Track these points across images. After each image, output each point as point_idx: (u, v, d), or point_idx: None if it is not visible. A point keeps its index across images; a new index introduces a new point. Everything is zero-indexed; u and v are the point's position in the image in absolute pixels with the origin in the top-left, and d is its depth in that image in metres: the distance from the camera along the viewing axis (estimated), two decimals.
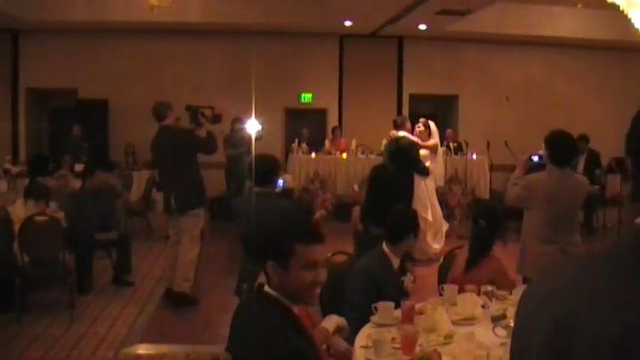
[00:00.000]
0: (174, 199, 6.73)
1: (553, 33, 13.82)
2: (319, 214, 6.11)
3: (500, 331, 3.20)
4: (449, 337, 3.12)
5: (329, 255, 4.54)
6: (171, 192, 6.81)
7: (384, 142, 11.16)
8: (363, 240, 5.40)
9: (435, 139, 9.29)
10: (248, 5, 12.72)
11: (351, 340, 3.35)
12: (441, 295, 3.96)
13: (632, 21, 9.39)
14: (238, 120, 11.81)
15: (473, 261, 4.31)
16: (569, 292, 1.03)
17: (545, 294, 1.08)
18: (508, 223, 5.79)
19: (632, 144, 1.10)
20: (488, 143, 11.28)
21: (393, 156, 8.68)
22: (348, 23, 13.17)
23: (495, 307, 3.54)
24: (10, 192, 9.48)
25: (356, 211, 5.62)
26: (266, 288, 2.55)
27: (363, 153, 12.58)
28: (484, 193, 11.83)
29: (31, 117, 14.47)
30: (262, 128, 11.92)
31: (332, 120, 14.67)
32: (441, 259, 5.08)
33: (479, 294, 3.77)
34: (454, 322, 3.39)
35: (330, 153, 12.55)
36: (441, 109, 15.51)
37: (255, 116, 11.13)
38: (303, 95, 14.78)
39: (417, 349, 2.99)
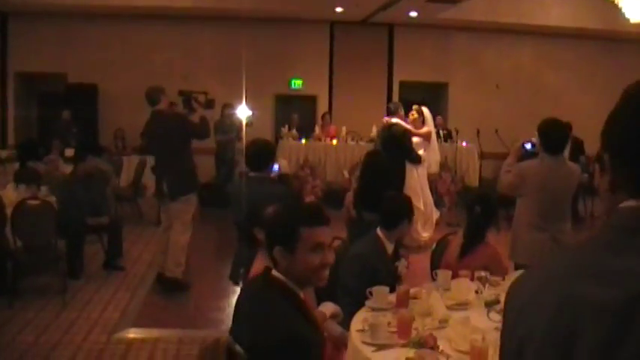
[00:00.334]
0: (167, 184, 6.72)
1: (544, 22, 13.84)
2: (309, 200, 6.14)
3: (495, 316, 3.24)
4: (444, 322, 3.16)
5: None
6: (163, 177, 6.80)
7: (374, 128, 11.19)
8: (356, 226, 5.44)
9: (428, 127, 9.19)
10: None
11: (344, 325, 3.38)
12: (434, 280, 3.99)
13: (622, 10, 9.43)
14: (228, 106, 11.79)
15: (467, 247, 4.35)
16: (569, 275, 1.07)
17: (545, 280, 1.11)
18: (499, 210, 5.82)
19: (609, 141, 1.13)
20: (478, 131, 11.31)
21: (386, 143, 8.64)
22: (339, 10, 13.13)
23: (488, 293, 3.58)
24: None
25: (349, 197, 5.66)
26: (274, 272, 2.57)
27: (353, 139, 12.57)
28: (473, 180, 11.86)
29: (20, 101, 14.33)
30: (252, 114, 11.92)
31: (322, 106, 14.63)
32: (434, 245, 5.10)
33: (472, 279, 3.81)
34: (448, 307, 3.43)
35: (320, 139, 12.53)
36: (431, 96, 15.50)
37: (246, 102, 11.13)
38: (293, 81, 14.72)
39: (413, 333, 3.03)
